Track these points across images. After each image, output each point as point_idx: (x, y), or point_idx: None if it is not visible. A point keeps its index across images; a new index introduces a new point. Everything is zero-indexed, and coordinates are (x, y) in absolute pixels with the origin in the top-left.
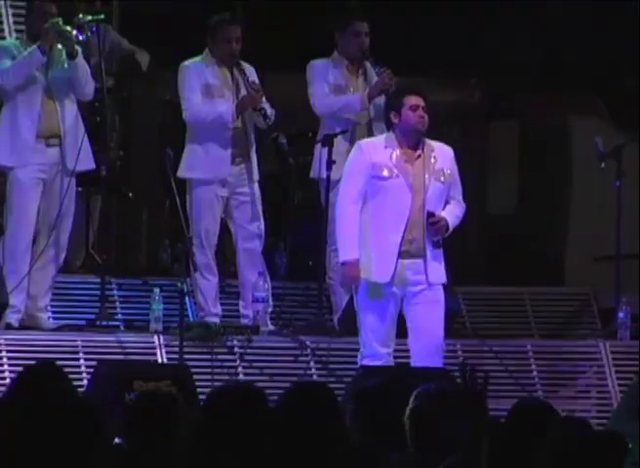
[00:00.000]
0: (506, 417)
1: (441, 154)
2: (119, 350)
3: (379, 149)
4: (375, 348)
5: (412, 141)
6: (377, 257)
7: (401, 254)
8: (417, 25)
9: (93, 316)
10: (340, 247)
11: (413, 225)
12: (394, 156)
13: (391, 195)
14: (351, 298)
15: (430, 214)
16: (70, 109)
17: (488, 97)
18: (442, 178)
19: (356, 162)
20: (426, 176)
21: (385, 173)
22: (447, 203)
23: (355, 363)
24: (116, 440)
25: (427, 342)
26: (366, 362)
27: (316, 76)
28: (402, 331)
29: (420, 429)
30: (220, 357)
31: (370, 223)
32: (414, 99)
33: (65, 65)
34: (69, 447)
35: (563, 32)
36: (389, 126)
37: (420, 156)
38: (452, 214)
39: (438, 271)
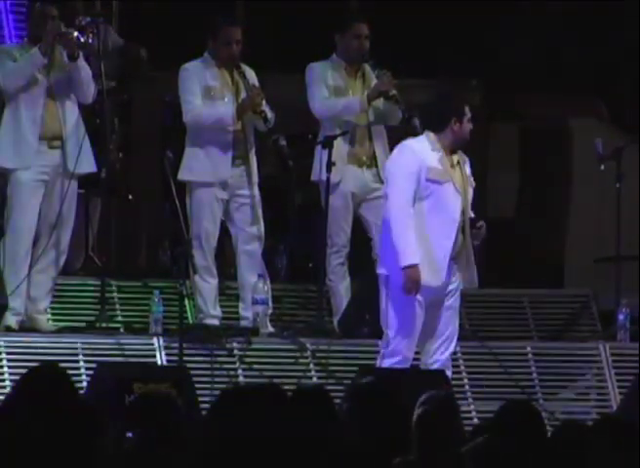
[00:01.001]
0: (492, 419)
1: (465, 161)
2: (119, 352)
3: (428, 152)
4: (400, 349)
5: (456, 149)
6: (430, 262)
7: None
8: (417, 26)
9: (93, 318)
10: (400, 252)
11: (460, 230)
12: (443, 160)
13: (443, 199)
14: (351, 300)
15: (474, 220)
16: (72, 111)
17: (488, 98)
18: (473, 184)
19: (409, 164)
20: (466, 182)
21: (439, 177)
22: None
23: (355, 365)
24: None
25: (446, 348)
26: (386, 362)
27: (315, 79)
28: None
29: (428, 434)
30: (219, 359)
31: (424, 227)
32: (468, 109)
33: (66, 67)
34: (71, 448)
35: (563, 33)
36: (441, 128)
37: (458, 162)
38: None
39: (472, 275)
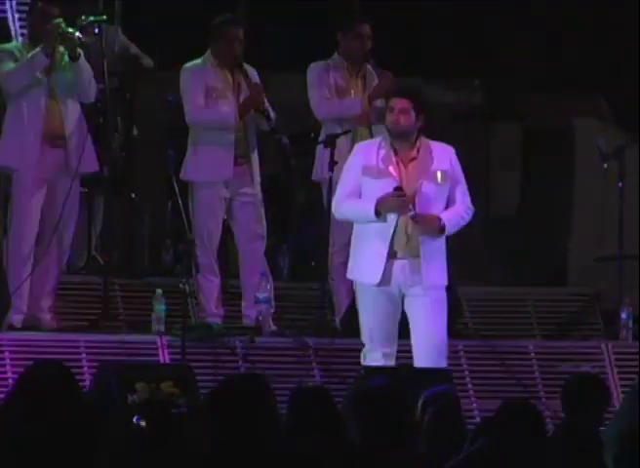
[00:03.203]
0: (492, 417)
1: (439, 155)
2: (122, 351)
3: (372, 151)
4: (374, 348)
5: (400, 142)
6: (366, 259)
7: (392, 255)
8: (418, 26)
9: (95, 317)
10: (360, 211)
11: (404, 226)
12: (385, 157)
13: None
14: (354, 299)
15: (413, 216)
16: (74, 110)
17: (490, 98)
18: (439, 180)
19: (349, 163)
20: (420, 178)
21: (375, 175)
22: (449, 205)
23: (358, 363)
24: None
25: (428, 344)
26: (367, 362)
27: (316, 79)
28: (405, 332)
29: (435, 430)
30: (222, 358)
31: (360, 226)
32: (393, 101)
33: (68, 67)
34: (73, 446)
35: (563, 32)
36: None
37: (414, 158)
38: (450, 213)
39: (436, 272)
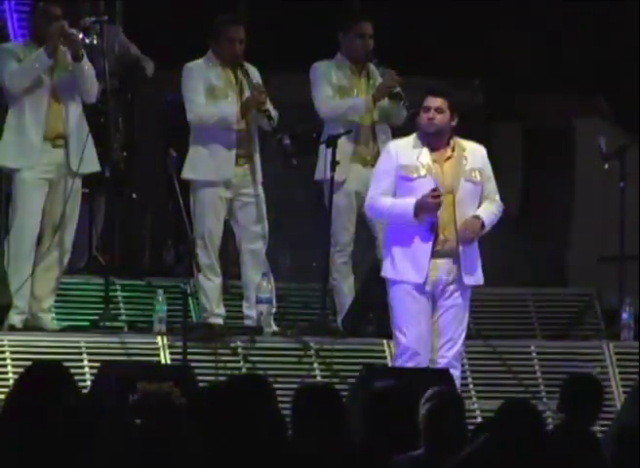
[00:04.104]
0: (492, 417)
1: (472, 154)
2: (123, 351)
3: (407, 150)
4: (409, 347)
5: (434, 142)
6: (410, 258)
7: (434, 254)
8: (418, 26)
9: (96, 317)
10: (398, 212)
11: (445, 226)
12: (422, 156)
13: (418, 195)
14: (355, 299)
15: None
16: (75, 111)
17: (490, 98)
18: (474, 178)
19: (383, 163)
20: (456, 177)
21: (413, 173)
22: (482, 202)
23: (359, 363)
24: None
25: (451, 346)
26: (398, 361)
27: (319, 78)
28: None
29: (436, 429)
30: (223, 358)
31: (397, 226)
32: (428, 100)
33: (70, 67)
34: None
35: (563, 32)
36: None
37: (450, 157)
38: (487, 211)
39: (473, 272)
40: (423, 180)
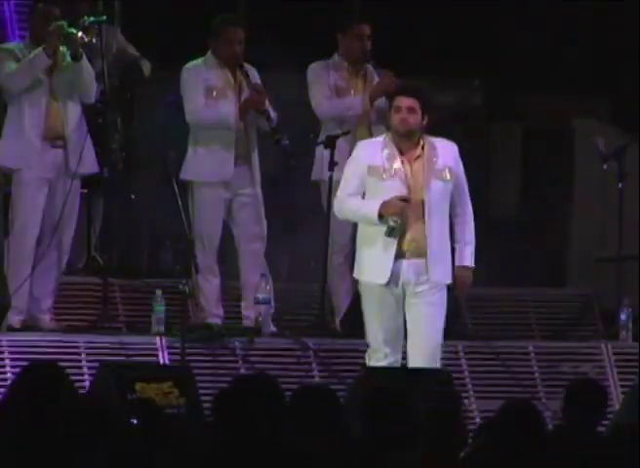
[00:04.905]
0: (493, 417)
1: (443, 152)
2: (121, 352)
3: (375, 150)
4: (379, 348)
5: (406, 141)
6: (374, 259)
7: (401, 255)
8: (418, 26)
9: (95, 317)
10: (364, 213)
11: (413, 226)
12: (390, 156)
13: (387, 196)
14: (353, 300)
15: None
16: (74, 111)
17: (490, 98)
18: (444, 177)
19: (351, 164)
20: (426, 177)
21: (381, 175)
22: (453, 206)
23: (357, 364)
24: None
25: (423, 346)
26: (372, 362)
27: (317, 79)
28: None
29: (436, 429)
30: (221, 358)
31: (366, 226)
32: (399, 100)
33: (69, 68)
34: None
35: (563, 32)
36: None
37: (419, 156)
38: (470, 250)
39: (442, 271)
40: (392, 182)
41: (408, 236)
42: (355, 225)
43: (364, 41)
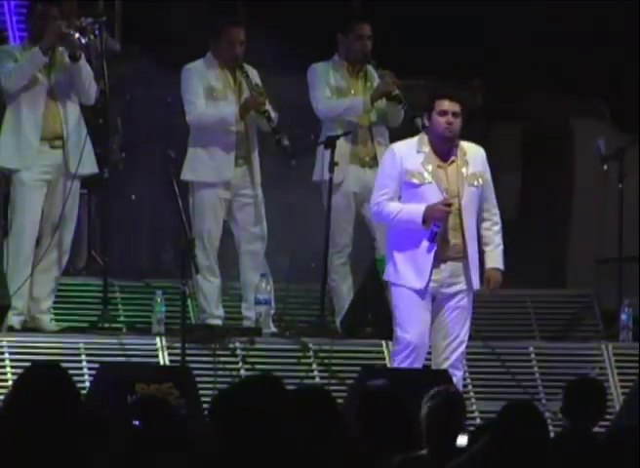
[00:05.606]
0: (494, 419)
1: (473, 157)
2: (121, 352)
3: (411, 154)
4: (405, 348)
5: (443, 146)
6: (413, 263)
7: (440, 259)
8: (418, 26)
9: (95, 318)
10: (406, 217)
11: (452, 230)
12: (426, 161)
13: (425, 202)
14: (354, 300)
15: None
16: (73, 111)
17: (489, 98)
18: (476, 183)
19: (388, 167)
20: (460, 182)
21: (418, 179)
22: (481, 211)
23: (357, 364)
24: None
25: (450, 348)
26: (399, 358)
27: (317, 79)
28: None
29: (437, 429)
30: (222, 359)
31: (402, 230)
32: (444, 104)
33: (68, 68)
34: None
35: (563, 33)
36: (422, 127)
37: (453, 161)
38: (499, 252)
39: (477, 276)
40: (429, 187)
41: (448, 241)
42: (355, 226)
43: (364, 41)
